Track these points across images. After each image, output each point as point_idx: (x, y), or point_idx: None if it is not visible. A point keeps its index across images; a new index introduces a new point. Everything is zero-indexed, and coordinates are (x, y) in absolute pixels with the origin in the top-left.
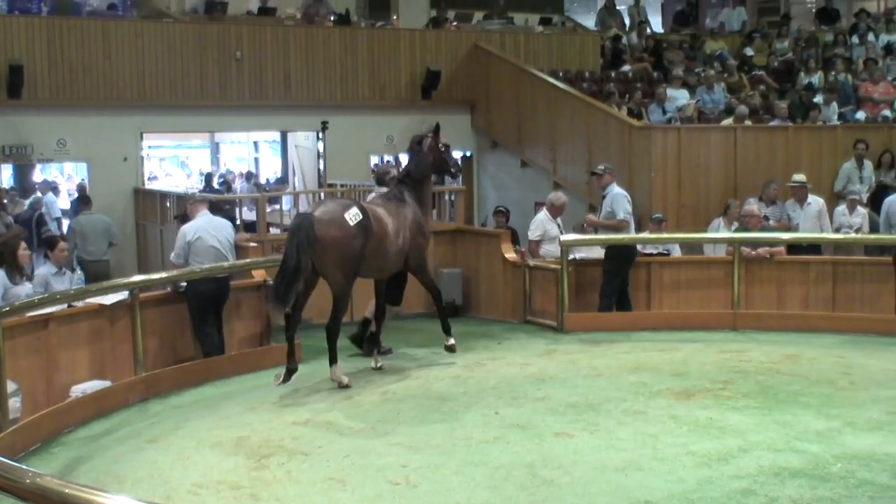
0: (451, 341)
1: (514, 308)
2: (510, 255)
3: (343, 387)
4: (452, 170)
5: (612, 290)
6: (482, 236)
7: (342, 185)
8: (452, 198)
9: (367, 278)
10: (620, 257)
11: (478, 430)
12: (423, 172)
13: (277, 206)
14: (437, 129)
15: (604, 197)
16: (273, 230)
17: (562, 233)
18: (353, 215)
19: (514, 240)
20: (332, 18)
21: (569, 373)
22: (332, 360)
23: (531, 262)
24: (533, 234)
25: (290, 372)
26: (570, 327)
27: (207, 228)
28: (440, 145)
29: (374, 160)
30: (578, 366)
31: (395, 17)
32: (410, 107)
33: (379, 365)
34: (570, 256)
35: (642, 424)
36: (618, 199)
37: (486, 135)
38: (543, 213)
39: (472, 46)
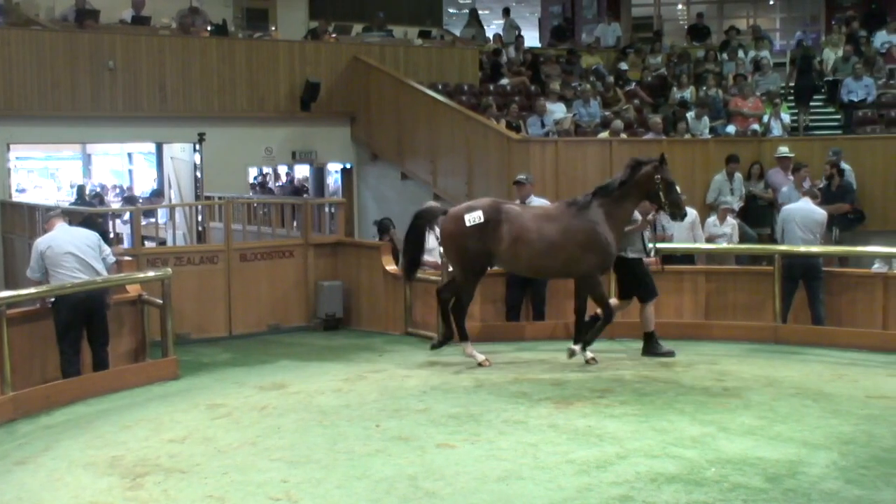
0: (588, 355)
1: (396, 320)
2: (391, 267)
3: (479, 364)
4: (666, 209)
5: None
6: (363, 249)
7: (220, 198)
8: (332, 210)
9: (530, 276)
10: None
11: (360, 444)
12: (621, 191)
13: (153, 220)
14: (661, 160)
15: (523, 205)
16: (148, 243)
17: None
18: (473, 217)
19: (396, 252)
20: (208, 28)
21: (450, 384)
22: (463, 338)
23: None
24: None
25: (445, 339)
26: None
27: (62, 237)
28: (658, 178)
29: (253, 172)
30: (460, 377)
31: (273, 28)
32: (289, 119)
33: (590, 357)
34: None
35: (523, 434)
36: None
37: (366, 147)
38: None
39: (351, 58)
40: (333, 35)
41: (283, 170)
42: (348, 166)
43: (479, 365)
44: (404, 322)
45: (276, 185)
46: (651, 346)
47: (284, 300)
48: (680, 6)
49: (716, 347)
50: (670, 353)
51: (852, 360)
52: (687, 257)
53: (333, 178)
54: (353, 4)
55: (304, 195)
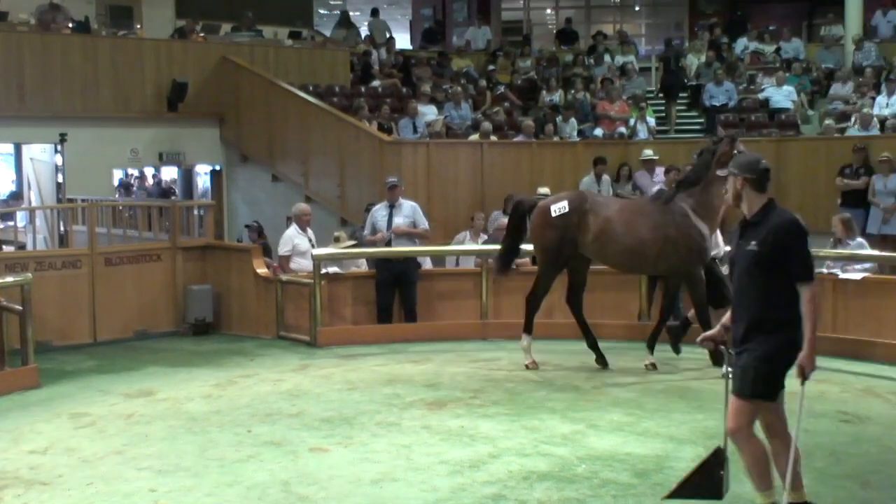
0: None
1: (267, 324)
2: (262, 270)
3: (526, 366)
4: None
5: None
6: (233, 252)
7: (83, 200)
8: (201, 213)
9: (621, 272)
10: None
11: (231, 450)
12: (700, 178)
13: (11, 223)
14: (732, 140)
15: (392, 207)
16: (7, 248)
17: (314, 246)
18: (559, 207)
19: (267, 255)
20: (70, 25)
21: (323, 387)
22: (526, 329)
23: (283, 277)
24: (282, 249)
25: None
26: (323, 342)
27: None
28: (736, 151)
29: (118, 174)
30: (333, 380)
31: (138, 27)
32: (156, 119)
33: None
34: (323, 271)
35: (396, 436)
36: (418, 210)
37: (235, 148)
38: (293, 228)
39: (220, 58)
40: (201, 34)
41: (149, 172)
42: (218, 168)
43: (525, 367)
44: (276, 326)
45: (138, 187)
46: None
47: (152, 305)
48: (549, 11)
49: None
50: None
51: None
52: None
53: (202, 180)
54: (221, 3)
55: (172, 197)
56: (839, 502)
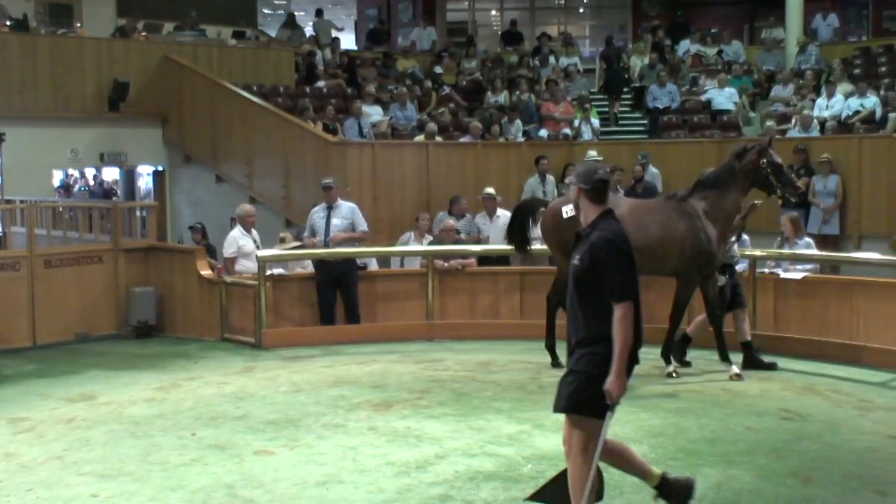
0: (734, 370)
1: (211, 326)
2: (206, 271)
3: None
4: (778, 192)
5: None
6: (176, 253)
7: (22, 201)
8: (144, 214)
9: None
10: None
11: (174, 454)
12: (723, 181)
13: None
14: (768, 143)
15: (330, 209)
16: None
17: (258, 248)
18: (569, 209)
19: (212, 256)
20: (7, 23)
21: (268, 389)
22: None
23: (227, 279)
24: (227, 250)
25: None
26: (268, 343)
27: None
28: (764, 163)
29: (58, 175)
30: (278, 382)
31: (78, 25)
32: (97, 119)
33: (671, 370)
34: (268, 272)
35: (342, 437)
36: (356, 211)
37: (179, 149)
38: (237, 229)
39: (162, 58)
40: (143, 33)
41: (90, 172)
42: (160, 169)
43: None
44: (220, 328)
45: (79, 188)
46: (751, 358)
47: (93, 307)
48: (494, 12)
49: (532, 346)
50: (773, 366)
51: (660, 355)
52: (503, 258)
53: (145, 180)
54: (163, 3)
55: (114, 198)
56: (781, 499)
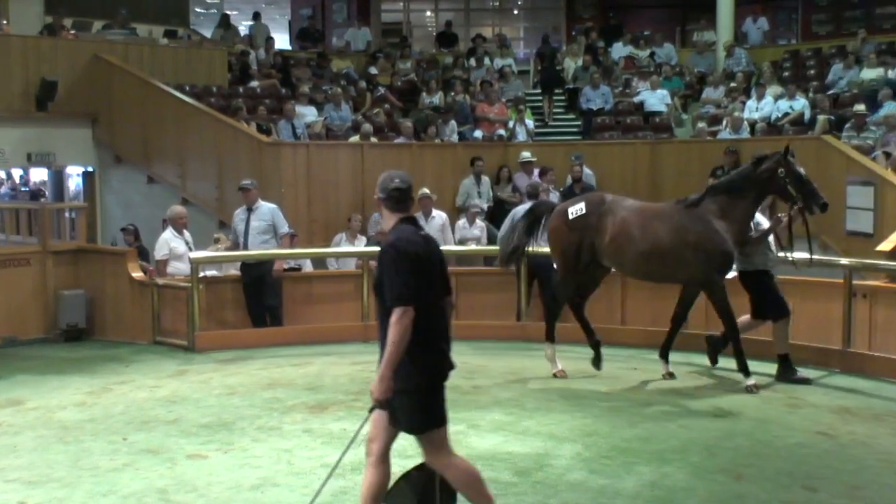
0: (750, 381)
1: (143, 329)
2: (137, 274)
3: (553, 374)
4: (799, 203)
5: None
6: (107, 255)
7: None
8: (73, 215)
9: (638, 279)
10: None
11: (105, 459)
12: (736, 187)
13: None
14: (785, 152)
15: (250, 211)
16: None
17: (191, 249)
18: (576, 210)
19: (145, 258)
20: None
21: (201, 393)
22: (548, 338)
23: (159, 281)
24: (158, 252)
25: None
26: (201, 346)
27: None
28: (781, 172)
29: None
30: (211, 385)
31: (4, 23)
32: (24, 119)
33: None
34: (201, 274)
35: (277, 440)
36: (277, 213)
37: (109, 149)
38: (169, 231)
39: (92, 57)
40: (72, 31)
41: (17, 173)
42: (90, 169)
43: (554, 375)
44: (152, 331)
45: (5, 190)
46: (786, 371)
47: (21, 311)
48: (429, 13)
49: (466, 347)
50: (807, 381)
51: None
52: None
53: (74, 181)
54: (92, 0)
55: (42, 199)
56: (714, 496)
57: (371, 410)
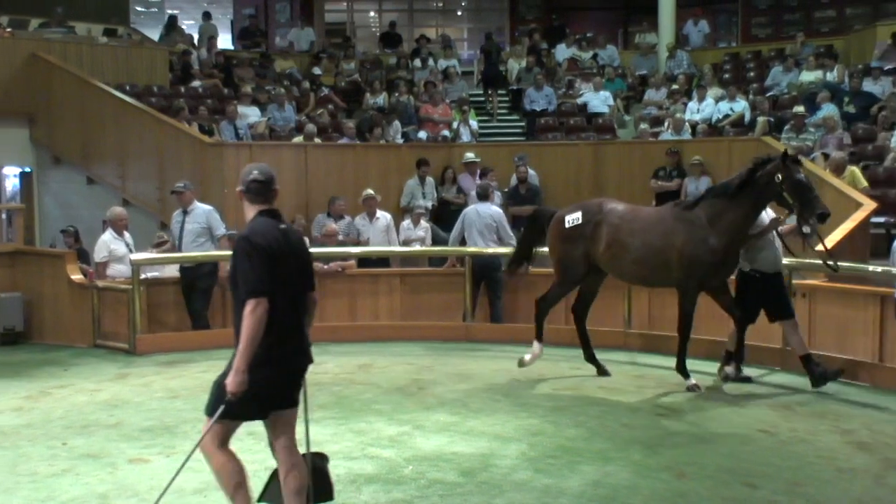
0: (691, 382)
1: (83, 332)
2: (76, 276)
3: (522, 365)
4: (796, 211)
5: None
6: (45, 257)
7: None
8: (9, 217)
9: (636, 284)
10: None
11: (44, 464)
12: (733, 191)
13: None
14: (784, 157)
15: (185, 213)
16: None
17: (131, 251)
18: (572, 218)
19: (85, 260)
20: None
21: (143, 396)
22: (537, 336)
23: (100, 284)
24: (98, 255)
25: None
26: (143, 349)
27: None
28: (779, 178)
29: None
30: (153, 388)
31: None
32: None
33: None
34: (143, 276)
35: None
36: (213, 215)
37: (47, 150)
38: (108, 233)
39: (29, 55)
40: (8, 29)
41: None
42: (27, 170)
43: (519, 364)
44: (92, 334)
45: None
46: (815, 371)
47: None
48: (372, 14)
49: (412, 348)
50: (839, 373)
51: None
52: (382, 260)
53: (11, 182)
54: None
55: None
56: (657, 494)
57: (225, 404)
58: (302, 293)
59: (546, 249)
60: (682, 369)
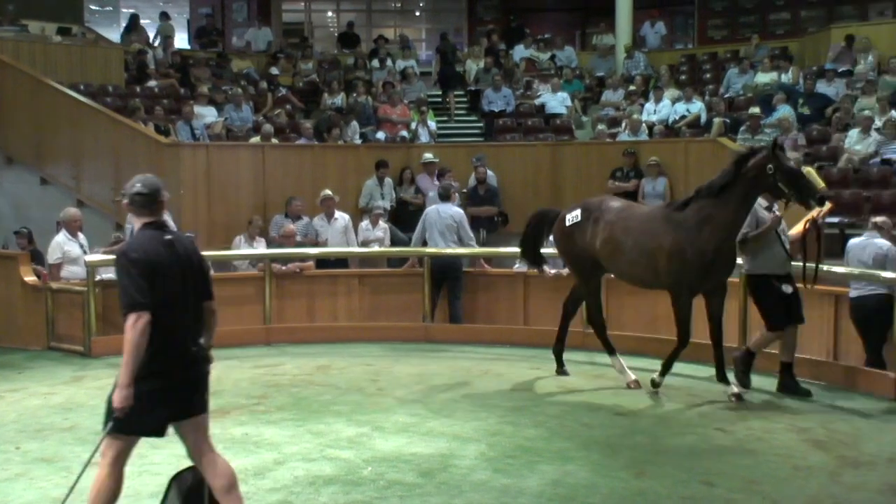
0: (659, 380)
1: (37, 334)
2: (30, 278)
3: (627, 385)
4: (794, 199)
5: None
6: None
7: None
8: None
9: (631, 284)
10: None
11: None
12: (721, 189)
13: None
14: (773, 146)
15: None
16: None
17: (86, 253)
18: (573, 216)
19: (39, 262)
20: None
21: (98, 399)
22: (609, 351)
23: (54, 286)
24: (51, 256)
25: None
26: (98, 352)
27: None
28: (770, 168)
29: None
30: (108, 391)
31: None
32: None
33: (734, 392)
34: (98, 277)
35: (177, 446)
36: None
37: (0, 150)
38: (62, 234)
39: None
40: None
41: None
42: None
43: (627, 386)
44: (46, 336)
45: None
46: (788, 381)
47: None
48: (330, 14)
49: (371, 348)
50: (808, 394)
51: (498, 355)
52: (341, 261)
53: None
54: None
55: None
56: (616, 493)
57: (112, 421)
58: (195, 303)
59: (551, 251)
60: (664, 373)
